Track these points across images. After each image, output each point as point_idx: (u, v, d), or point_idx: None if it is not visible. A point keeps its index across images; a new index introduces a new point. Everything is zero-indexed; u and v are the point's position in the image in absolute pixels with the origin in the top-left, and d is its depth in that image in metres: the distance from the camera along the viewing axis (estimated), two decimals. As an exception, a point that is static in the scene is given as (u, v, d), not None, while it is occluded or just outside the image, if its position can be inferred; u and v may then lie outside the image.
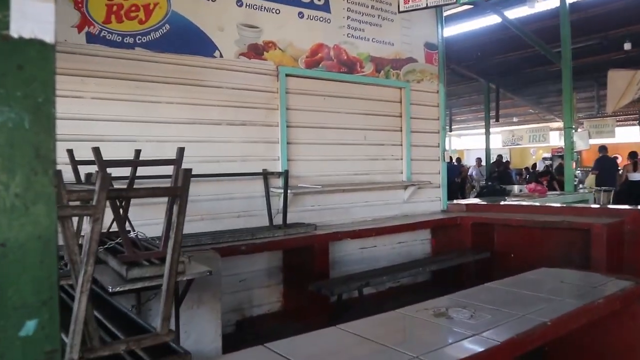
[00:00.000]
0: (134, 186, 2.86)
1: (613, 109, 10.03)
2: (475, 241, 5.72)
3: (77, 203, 1.85)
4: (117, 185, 2.97)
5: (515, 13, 11.64)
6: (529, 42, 9.94)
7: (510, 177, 15.30)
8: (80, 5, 4.05)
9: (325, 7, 5.41)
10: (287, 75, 5.03)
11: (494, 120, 16.19)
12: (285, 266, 4.91)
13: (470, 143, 25.88)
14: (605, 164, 11.85)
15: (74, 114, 4.00)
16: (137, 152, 3.36)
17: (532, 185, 8.27)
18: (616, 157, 19.57)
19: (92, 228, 1.67)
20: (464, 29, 13.38)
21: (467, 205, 6.47)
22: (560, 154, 21.18)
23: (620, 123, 20.51)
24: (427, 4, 4.55)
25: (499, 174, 14.76)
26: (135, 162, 3.02)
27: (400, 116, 6.06)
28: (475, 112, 20.43)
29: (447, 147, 6.74)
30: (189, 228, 4.16)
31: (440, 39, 6.54)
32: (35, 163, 1.09)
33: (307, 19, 5.26)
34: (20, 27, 1.07)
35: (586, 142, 20.25)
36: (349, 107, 5.56)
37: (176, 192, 1.85)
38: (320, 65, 5.31)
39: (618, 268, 4.86)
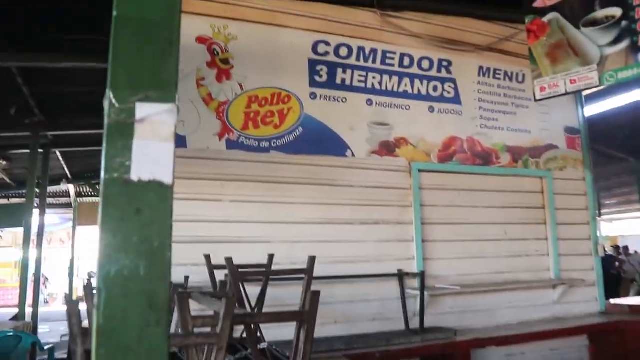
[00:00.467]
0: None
1: None
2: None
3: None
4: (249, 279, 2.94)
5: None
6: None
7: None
8: (221, 114, 4.28)
9: (456, 99, 5.28)
10: (419, 170, 4.89)
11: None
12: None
13: (625, 228, 23.57)
14: None
15: (213, 217, 4.15)
16: (271, 257, 3.35)
17: None
18: None
19: (216, 357, 1.59)
20: (607, 107, 12.60)
21: (630, 307, 5.70)
22: None
23: None
24: (566, 91, 4.23)
25: None
26: (268, 272, 2.97)
27: (543, 207, 5.61)
28: (627, 195, 18.72)
29: (599, 236, 6.10)
30: (321, 332, 4.03)
31: (581, 121, 6.11)
32: (149, 313, 1.01)
33: (438, 112, 5.16)
34: (140, 170, 1.03)
35: None
36: (487, 201, 5.25)
37: (303, 317, 1.73)
38: (454, 159, 5.12)
39: None
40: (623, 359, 5.02)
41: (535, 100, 4.59)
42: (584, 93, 6.30)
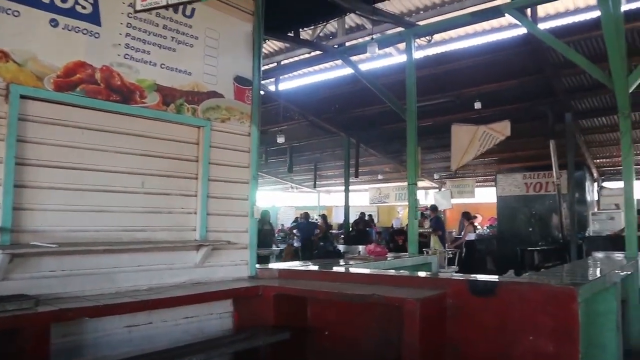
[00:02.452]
0: None
1: (457, 167, 9.65)
2: (282, 316, 4.66)
3: None
4: None
5: (369, 65, 11.30)
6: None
7: (368, 235, 14.69)
8: None
9: (94, 18, 4.26)
10: (22, 96, 3.79)
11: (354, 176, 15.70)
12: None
13: (340, 200, 25.49)
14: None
15: None
16: None
17: (372, 246, 7.44)
18: (475, 217, 19.91)
19: None
20: (320, 78, 12.92)
21: (279, 271, 5.44)
22: (424, 212, 21.21)
23: (480, 184, 21.00)
24: (167, 2, 3.59)
25: (357, 233, 14.10)
26: None
27: (197, 161, 4.97)
28: (341, 169, 20.05)
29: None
30: None
31: (256, 73, 5.62)
32: None
33: (65, 29, 4.08)
34: None
35: (448, 201, 20.52)
36: (123, 145, 4.38)
37: None
38: (79, 89, 4.12)
39: (438, 352, 4.00)
40: (261, 321, 4.67)
41: (136, 12, 3.90)
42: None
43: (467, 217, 12.64)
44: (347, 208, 15.59)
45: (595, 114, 12.71)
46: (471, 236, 12.26)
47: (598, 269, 5.41)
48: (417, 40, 10.34)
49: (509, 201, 16.42)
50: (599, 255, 7.43)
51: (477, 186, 20.45)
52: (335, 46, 9.67)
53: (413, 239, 8.00)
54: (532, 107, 12.38)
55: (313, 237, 14.05)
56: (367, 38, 9.09)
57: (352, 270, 5.38)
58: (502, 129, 8.92)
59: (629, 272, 5.72)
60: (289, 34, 8.95)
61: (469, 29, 10.67)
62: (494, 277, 4.29)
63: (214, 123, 5.14)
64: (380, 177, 20.66)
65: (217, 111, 5.19)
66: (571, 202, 12.21)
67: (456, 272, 10.08)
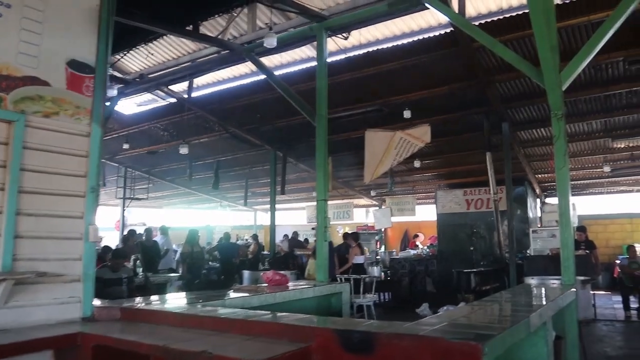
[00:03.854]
0: None
1: (371, 178, 8.54)
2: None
3: None
4: None
5: (286, 70, 10.22)
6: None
7: (295, 259, 13.37)
8: None
9: None
10: None
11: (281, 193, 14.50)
12: None
13: (280, 219, 24.25)
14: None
15: None
16: None
17: (270, 273, 6.21)
18: (416, 235, 18.99)
19: None
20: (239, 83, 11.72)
21: (122, 310, 4.15)
22: (365, 231, 20.19)
23: (422, 201, 20.19)
24: None
25: (284, 255, 12.86)
26: None
27: (5, 166, 3.69)
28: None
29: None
30: None
31: (101, 59, 4.39)
32: None
33: None
34: None
35: (388, 219, 19.58)
36: None
37: None
38: None
39: None
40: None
41: None
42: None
43: (355, 237, 11.36)
44: (272, 228, 14.33)
45: (534, 125, 11.92)
46: (359, 259, 10.88)
47: (522, 306, 4.32)
48: (342, 43, 9.40)
49: (449, 219, 15.58)
50: (532, 281, 6.42)
51: (418, 203, 19.61)
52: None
53: (322, 264, 6.85)
54: (467, 117, 11.52)
55: (234, 260, 12.73)
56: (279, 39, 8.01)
57: (204, 311, 4.09)
58: (421, 135, 7.92)
59: (564, 304, 4.71)
60: (187, 28, 7.78)
61: (396, 30, 9.71)
62: (377, 327, 3.10)
63: (32, 117, 3.85)
64: (315, 194, 19.48)
65: (38, 103, 3.91)
66: (510, 220, 11.32)
67: (375, 301, 9.00)
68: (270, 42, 6.92)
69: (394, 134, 7.89)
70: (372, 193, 18.94)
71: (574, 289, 5.15)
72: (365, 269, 11.03)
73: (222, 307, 4.38)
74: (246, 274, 10.46)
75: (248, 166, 16.53)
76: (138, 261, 9.34)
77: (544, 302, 4.18)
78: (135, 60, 11.20)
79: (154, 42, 9.99)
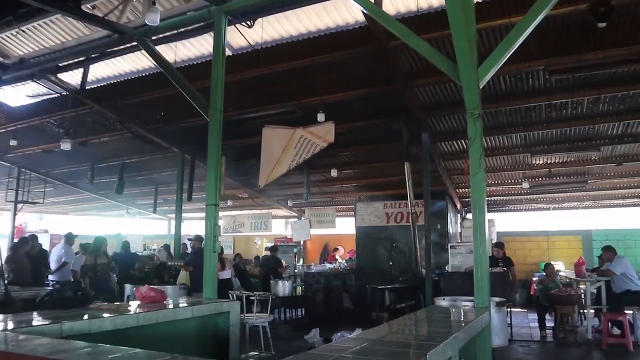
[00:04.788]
0: None
1: (266, 182, 7.67)
2: None
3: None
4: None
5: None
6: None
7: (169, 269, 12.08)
8: None
9: None
10: None
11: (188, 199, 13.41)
12: None
13: (196, 228, 22.99)
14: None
15: None
16: None
17: (145, 289, 5.25)
18: (336, 249, 18.29)
19: None
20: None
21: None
22: (283, 244, 19.32)
23: (342, 213, 19.56)
24: None
25: (157, 266, 11.67)
26: None
27: None
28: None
29: None
30: None
31: None
32: None
33: None
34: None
35: (307, 231, 18.81)
36: None
37: None
38: None
39: None
40: None
41: None
42: None
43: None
44: (178, 237, 13.19)
45: (455, 137, 11.47)
46: (224, 274, 9.86)
47: (423, 340, 3.55)
48: (253, 37, 8.57)
49: (368, 232, 14.95)
50: (443, 302, 5.74)
51: (339, 216, 18.95)
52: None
53: (209, 279, 5.93)
54: (387, 125, 10.91)
55: (132, 272, 11.52)
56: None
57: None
58: (324, 134, 7.19)
59: (475, 332, 4.02)
60: (67, 3, 6.71)
61: (311, 25, 8.91)
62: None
63: None
64: (230, 203, 18.39)
65: None
66: (427, 235, 10.75)
67: (269, 320, 8.13)
68: (153, 18, 5.99)
69: (294, 132, 7.10)
70: (290, 203, 18.09)
71: (487, 313, 4.50)
72: (232, 285, 10.16)
73: (51, 333, 3.39)
74: (128, 288, 9.34)
75: (157, 170, 15.32)
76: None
77: (452, 331, 3.45)
78: (19, 44, 9.90)
79: (39, 22, 8.81)
